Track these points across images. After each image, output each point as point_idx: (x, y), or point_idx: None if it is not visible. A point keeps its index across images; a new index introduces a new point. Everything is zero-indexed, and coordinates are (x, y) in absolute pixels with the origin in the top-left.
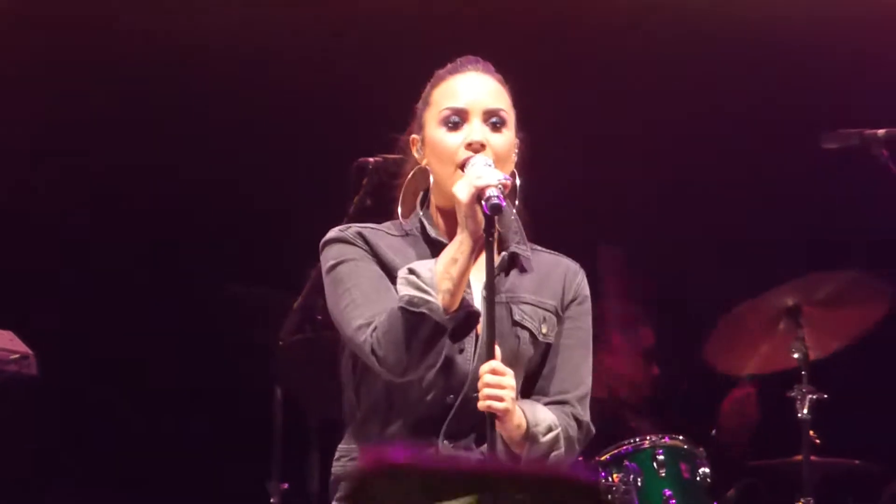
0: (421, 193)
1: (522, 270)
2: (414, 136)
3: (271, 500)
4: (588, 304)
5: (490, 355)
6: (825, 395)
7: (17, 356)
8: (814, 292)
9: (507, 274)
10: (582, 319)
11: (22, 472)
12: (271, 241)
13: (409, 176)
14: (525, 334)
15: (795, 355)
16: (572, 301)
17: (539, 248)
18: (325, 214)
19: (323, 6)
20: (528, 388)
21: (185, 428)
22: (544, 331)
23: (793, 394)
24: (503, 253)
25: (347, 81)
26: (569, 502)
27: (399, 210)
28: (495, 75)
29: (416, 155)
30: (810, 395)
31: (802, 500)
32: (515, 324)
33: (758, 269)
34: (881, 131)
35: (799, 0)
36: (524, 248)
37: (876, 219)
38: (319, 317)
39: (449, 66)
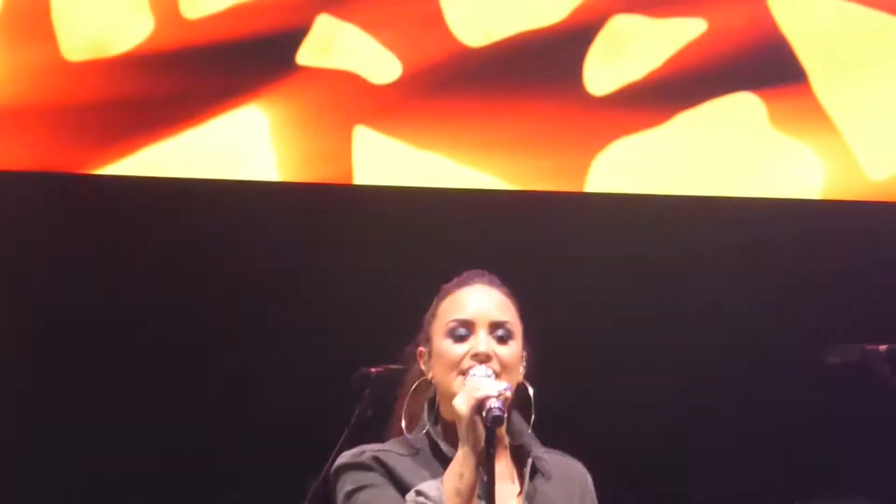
0: (426, 407)
1: (545, 476)
2: (422, 348)
3: None
4: None
5: None
6: None
7: None
8: None
9: (531, 479)
10: None
11: None
12: (272, 450)
13: (412, 389)
14: None
15: None
16: None
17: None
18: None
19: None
20: None
21: None
22: None
23: None
24: (529, 460)
25: (348, 291)
26: None
27: (403, 424)
28: (501, 288)
29: (423, 367)
30: None
31: None
32: None
33: None
34: (883, 347)
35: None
36: (543, 452)
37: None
38: None
39: (455, 279)
